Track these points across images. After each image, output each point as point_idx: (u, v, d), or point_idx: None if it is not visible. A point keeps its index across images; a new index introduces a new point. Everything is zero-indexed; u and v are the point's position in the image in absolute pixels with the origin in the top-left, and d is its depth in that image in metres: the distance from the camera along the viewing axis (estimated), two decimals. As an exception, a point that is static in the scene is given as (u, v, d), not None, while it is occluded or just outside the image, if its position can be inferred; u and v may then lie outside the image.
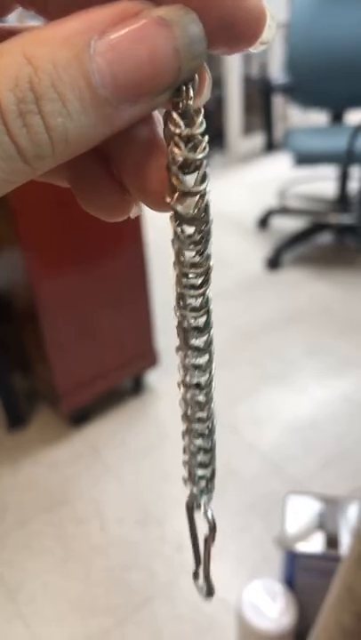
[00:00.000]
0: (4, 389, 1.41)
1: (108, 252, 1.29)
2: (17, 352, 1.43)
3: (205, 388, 0.19)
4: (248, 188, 3.05)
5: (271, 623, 0.80)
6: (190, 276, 0.17)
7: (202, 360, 0.18)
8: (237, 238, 2.46)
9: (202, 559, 0.22)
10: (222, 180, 3.16)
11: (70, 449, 1.37)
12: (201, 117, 0.16)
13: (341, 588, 0.50)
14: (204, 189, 0.16)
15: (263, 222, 2.55)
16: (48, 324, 1.23)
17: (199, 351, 0.18)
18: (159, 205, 0.17)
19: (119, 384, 1.49)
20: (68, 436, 1.41)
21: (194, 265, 0.17)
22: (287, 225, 2.45)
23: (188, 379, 0.19)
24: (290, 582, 0.84)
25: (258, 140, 3.44)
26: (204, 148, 0.16)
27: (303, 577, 0.83)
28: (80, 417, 1.43)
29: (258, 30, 0.15)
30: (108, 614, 1.00)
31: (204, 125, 0.16)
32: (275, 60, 3.50)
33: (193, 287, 0.17)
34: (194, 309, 0.18)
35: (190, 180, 0.16)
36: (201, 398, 0.19)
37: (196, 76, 0.15)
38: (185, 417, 0.20)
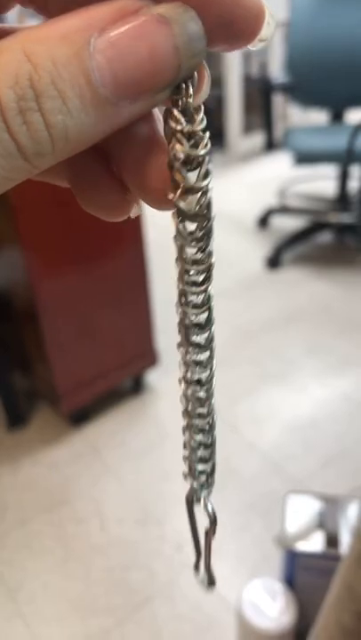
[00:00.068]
0: (4, 389, 1.41)
1: (108, 252, 1.29)
2: (17, 352, 1.43)
3: (206, 384, 0.19)
4: (248, 188, 3.05)
5: (271, 622, 0.80)
6: (192, 272, 0.17)
7: (203, 357, 0.19)
8: (237, 237, 2.46)
9: (202, 552, 0.23)
10: (222, 179, 3.16)
11: (70, 449, 1.37)
12: (201, 114, 0.16)
13: (341, 587, 0.50)
14: (207, 186, 0.16)
15: (263, 221, 2.55)
16: (48, 323, 1.23)
17: (200, 348, 0.18)
18: (160, 203, 0.17)
19: (119, 384, 1.49)
20: (68, 436, 1.41)
21: (195, 262, 0.17)
22: (287, 224, 2.45)
23: (189, 375, 0.19)
24: (290, 581, 0.84)
25: (258, 139, 3.44)
26: (206, 145, 0.16)
27: (303, 576, 0.83)
28: (80, 417, 1.43)
29: (257, 27, 0.15)
30: (108, 614, 1.00)
31: (205, 122, 0.16)
32: (275, 59, 3.50)
33: (195, 284, 0.17)
34: (195, 306, 0.18)
35: (192, 176, 0.16)
36: (202, 394, 0.19)
37: (195, 73, 0.16)
38: (186, 413, 0.20)
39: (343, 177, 2.33)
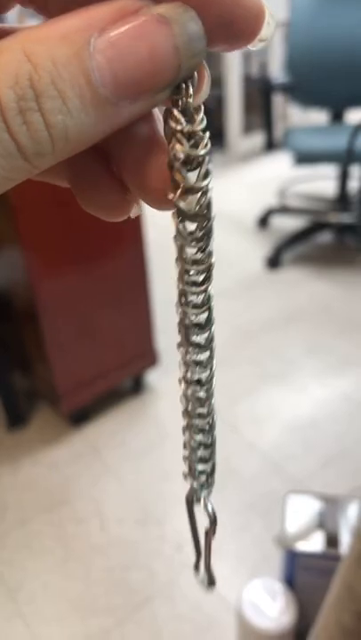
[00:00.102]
0: (4, 389, 1.41)
1: (108, 252, 1.29)
2: (17, 352, 1.43)
3: (206, 384, 0.19)
4: (248, 188, 3.05)
5: (271, 622, 0.80)
6: (192, 272, 0.17)
7: (203, 357, 0.19)
8: (237, 237, 2.46)
9: (202, 552, 0.23)
10: (222, 179, 3.17)
11: (70, 449, 1.37)
12: (201, 114, 0.16)
13: (341, 587, 0.50)
14: (207, 186, 0.16)
15: (263, 221, 2.55)
16: (48, 323, 1.23)
17: (200, 348, 0.18)
18: (160, 203, 0.17)
19: (119, 384, 1.49)
20: (68, 436, 1.41)
21: (195, 262, 0.17)
22: (287, 224, 2.45)
23: (189, 375, 0.19)
24: (290, 581, 0.84)
25: (258, 139, 3.44)
26: (206, 145, 0.16)
27: (303, 576, 0.83)
28: (80, 417, 1.43)
29: (257, 27, 0.15)
30: (108, 614, 1.00)
31: (205, 122, 0.16)
32: (275, 59, 3.50)
33: (195, 284, 0.17)
34: (195, 306, 0.18)
35: (192, 176, 0.16)
36: (202, 394, 0.19)
37: (195, 73, 0.16)
38: (186, 413, 0.20)
39: (343, 177, 2.33)
